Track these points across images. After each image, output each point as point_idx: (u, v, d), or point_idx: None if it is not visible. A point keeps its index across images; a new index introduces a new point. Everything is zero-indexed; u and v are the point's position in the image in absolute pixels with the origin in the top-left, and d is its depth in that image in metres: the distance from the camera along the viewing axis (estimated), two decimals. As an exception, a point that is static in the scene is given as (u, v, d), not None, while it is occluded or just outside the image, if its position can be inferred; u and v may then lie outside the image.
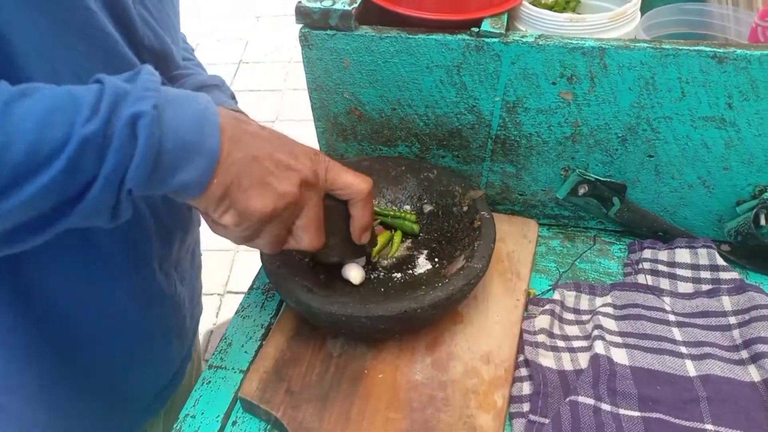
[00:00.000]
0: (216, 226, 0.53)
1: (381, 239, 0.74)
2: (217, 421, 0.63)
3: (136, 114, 0.42)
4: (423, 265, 0.72)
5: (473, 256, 0.65)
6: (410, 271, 0.72)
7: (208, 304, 2.04)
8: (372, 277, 0.71)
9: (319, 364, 0.64)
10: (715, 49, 0.62)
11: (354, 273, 0.68)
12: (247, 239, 0.54)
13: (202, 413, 0.64)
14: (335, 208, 0.59)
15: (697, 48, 0.62)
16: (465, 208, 0.73)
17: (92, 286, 0.61)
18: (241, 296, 0.77)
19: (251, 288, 0.77)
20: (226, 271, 2.13)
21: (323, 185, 0.55)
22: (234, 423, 0.63)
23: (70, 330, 0.62)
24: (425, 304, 0.59)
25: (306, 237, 0.55)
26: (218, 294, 2.06)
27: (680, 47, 0.63)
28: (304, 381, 0.63)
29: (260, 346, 0.69)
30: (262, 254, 0.65)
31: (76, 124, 0.41)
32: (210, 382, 0.67)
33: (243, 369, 0.67)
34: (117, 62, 0.54)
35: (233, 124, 0.49)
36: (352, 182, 0.57)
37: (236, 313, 0.74)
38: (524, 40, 0.65)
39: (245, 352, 0.69)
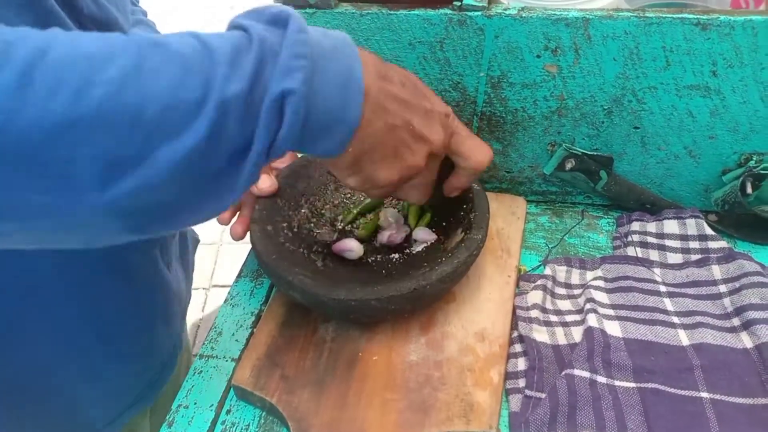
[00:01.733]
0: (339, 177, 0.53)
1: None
2: (211, 410, 0.62)
3: (287, 92, 0.38)
4: (420, 243, 0.71)
5: (471, 228, 0.64)
6: (407, 251, 0.71)
7: (193, 298, 2.02)
8: (371, 260, 0.70)
9: (313, 349, 0.64)
10: (698, 16, 0.62)
11: (353, 247, 0.68)
12: (362, 190, 0.53)
13: (195, 403, 0.63)
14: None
15: (680, 16, 0.62)
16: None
17: (58, 257, 0.58)
18: (227, 289, 0.75)
19: (239, 276, 0.76)
20: (211, 265, 2.11)
21: (446, 151, 0.55)
22: (228, 411, 0.62)
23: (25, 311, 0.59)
24: (433, 280, 0.58)
25: (414, 194, 0.57)
26: (203, 288, 2.04)
27: (664, 15, 0.62)
28: (298, 366, 0.62)
29: (251, 334, 0.68)
30: (255, 247, 0.63)
31: (215, 81, 0.36)
32: (201, 371, 0.65)
33: (235, 357, 0.66)
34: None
35: (377, 87, 0.45)
36: (474, 155, 0.57)
37: (225, 301, 0.73)
38: (507, 12, 0.65)
39: (236, 340, 0.68)
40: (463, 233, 0.65)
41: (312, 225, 0.73)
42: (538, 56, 0.67)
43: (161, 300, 0.74)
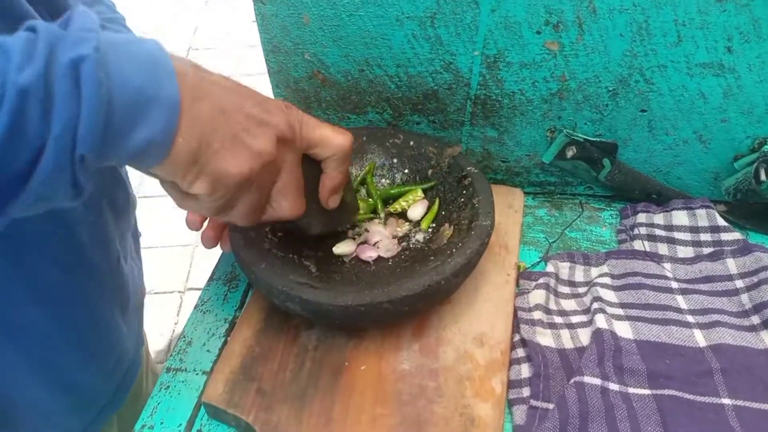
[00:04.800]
0: (185, 199, 0.46)
1: (363, 204, 0.67)
2: (180, 431, 0.55)
3: (77, 58, 0.35)
4: (418, 234, 0.66)
5: (477, 214, 0.58)
6: (405, 243, 0.65)
7: (167, 303, 1.94)
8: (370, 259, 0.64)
9: (293, 359, 0.57)
10: (714, -14, 0.56)
11: (344, 245, 0.62)
12: (221, 209, 0.47)
13: (161, 423, 0.56)
14: (310, 169, 0.51)
15: (694, -14, 0.57)
16: (446, 168, 0.66)
17: (16, 258, 0.53)
18: (203, 294, 0.69)
19: (211, 279, 0.69)
20: (185, 267, 2.03)
21: (299, 142, 0.48)
22: (198, 432, 0.55)
23: None
24: (447, 274, 0.53)
25: (285, 203, 0.49)
26: (178, 292, 1.96)
27: (676, -15, 0.57)
28: (276, 379, 0.55)
29: (225, 343, 0.61)
30: (241, 256, 0.56)
31: (9, 72, 0.34)
32: (169, 387, 0.58)
33: (206, 370, 0.59)
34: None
35: (192, 71, 0.41)
36: (330, 136, 0.50)
37: (195, 307, 0.66)
38: (505, -17, 0.59)
39: (207, 350, 0.61)
40: (468, 220, 0.60)
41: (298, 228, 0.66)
42: (539, 32, 0.61)
43: (123, 296, 0.68)
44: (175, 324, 1.86)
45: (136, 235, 0.78)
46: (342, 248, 0.63)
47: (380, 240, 0.65)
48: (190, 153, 0.41)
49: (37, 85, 0.34)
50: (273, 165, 0.46)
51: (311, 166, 0.51)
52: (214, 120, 0.42)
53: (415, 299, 0.52)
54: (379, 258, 0.64)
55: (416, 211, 0.66)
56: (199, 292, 0.69)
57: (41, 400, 0.62)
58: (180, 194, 0.46)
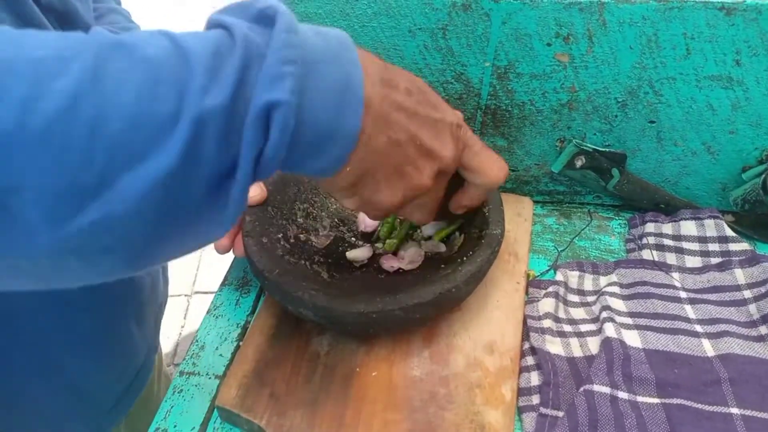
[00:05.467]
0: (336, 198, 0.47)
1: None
2: (192, 435, 0.56)
3: (273, 103, 0.32)
4: (426, 243, 0.66)
5: (488, 222, 0.59)
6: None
7: (174, 306, 1.95)
8: (375, 265, 0.65)
9: (305, 365, 0.58)
10: (723, 0, 0.57)
11: (360, 251, 0.63)
12: (360, 211, 0.48)
13: (175, 426, 0.56)
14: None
15: (703, 0, 0.57)
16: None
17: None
18: (211, 296, 0.69)
19: (223, 284, 0.70)
20: (192, 270, 2.04)
21: (457, 166, 0.48)
22: (211, 436, 0.56)
23: None
24: (459, 282, 0.53)
25: (419, 214, 0.51)
26: (185, 295, 1.97)
27: (686, -1, 0.58)
28: (289, 384, 0.56)
29: (237, 348, 0.62)
30: (255, 263, 0.57)
31: (190, 91, 0.30)
32: (182, 390, 0.59)
33: (219, 374, 0.60)
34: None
35: (380, 95, 0.39)
36: (487, 168, 0.50)
37: (208, 312, 0.67)
38: (516, -4, 0.59)
39: (220, 355, 0.62)
40: (478, 229, 0.60)
41: (309, 233, 0.67)
42: (549, 44, 0.62)
43: (136, 302, 0.68)
44: (182, 327, 1.87)
45: None
46: (356, 254, 0.64)
47: (408, 252, 0.64)
48: (354, 178, 0.42)
49: (220, 117, 0.31)
50: (424, 192, 0.46)
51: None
52: (386, 152, 0.41)
53: (426, 307, 0.53)
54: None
55: (429, 229, 0.66)
56: (206, 296, 0.70)
57: (47, 402, 0.63)
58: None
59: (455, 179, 0.52)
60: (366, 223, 0.65)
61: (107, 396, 0.69)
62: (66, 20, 0.54)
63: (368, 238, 0.68)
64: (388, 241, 0.65)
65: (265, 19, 0.34)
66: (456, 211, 0.57)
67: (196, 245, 0.36)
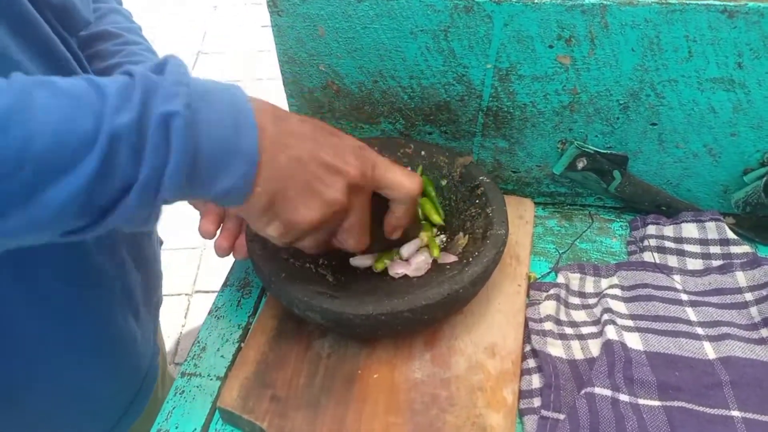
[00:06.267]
0: (259, 230, 0.49)
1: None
2: (194, 436, 0.56)
3: (169, 113, 0.37)
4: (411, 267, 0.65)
5: (492, 223, 0.59)
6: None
7: (175, 305, 1.95)
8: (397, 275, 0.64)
9: (307, 367, 0.58)
10: (725, 3, 0.57)
11: (364, 259, 0.62)
12: (289, 244, 0.50)
13: (177, 427, 0.56)
14: (378, 201, 0.53)
15: (705, 2, 0.57)
16: (458, 177, 0.67)
17: (17, 269, 0.53)
18: (212, 295, 0.70)
19: (225, 284, 0.70)
20: (193, 269, 2.04)
21: (370, 185, 0.50)
22: (213, 437, 0.56)
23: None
24: (466, 283, 0.53)
25: (351, 240, 0.52)
26: (186, 294, 1.97)
27: (687, 2, 0.57)
28: (290, 386, 0.56)
29: (239, 349, 0.62)
30: (260, 267, 0.57)
31: (105, 115, 0.35)
32: (184, 392, 0.59)
33: (220, 376, 0.60)
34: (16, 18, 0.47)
35: (272, 122, 0.43)
36: (400, 182, 0.51)
37: (209, 313, 0.67)
38: (518, -2, 0.59)
39: (222, 356, 0.62)
40: (482, 229, 0.60)
41: None
42: (551, 46, 0.62)
43: (134, 302, 0.68)
44: (183, 326, 1.87)
45: (154, 240, 0.78)
46: (360, 261, 0.63)
47: (415, 258, 0.63)
48: (267, 200, 0.44)
49: (129, 131, 0.36)
50: (342, 210, 0.48)
51: (379, 198, 0.53)
52: (290, 169, 0.44)
53: (434, 308, 0.53)
54: None
55: (408, 249, 0.63)
56: (207, 295, 0.70)
57: (53, 410, 0.63)
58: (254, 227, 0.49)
59: (383, 208, 0.54)
60: (396, 269, 0.64)
61: (117, 400, 0.69)
62: (64, 15, 0.55)
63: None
64: (376, 262, 0.63)
65: (160, 66, 0.40)
66: (391, 236, 0.57)
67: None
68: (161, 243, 0.82)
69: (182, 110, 0.37)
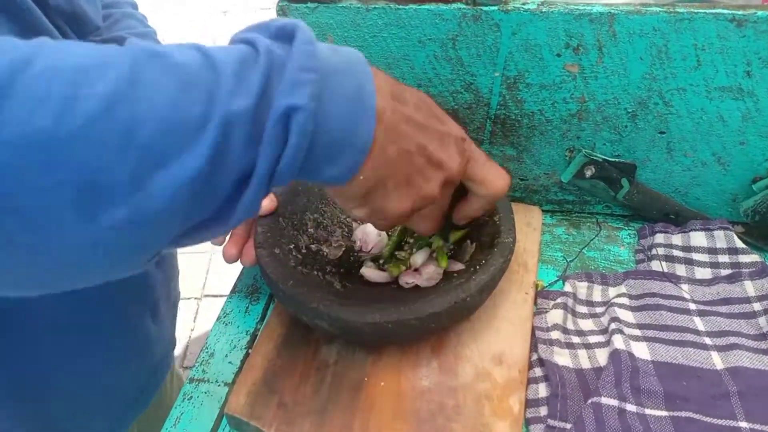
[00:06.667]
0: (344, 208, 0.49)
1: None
2: (202, 442, 0.56)
3: (293, 108, 0.34)
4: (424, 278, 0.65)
5: (499, 231, 0.59)
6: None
7: (184, 309, 1.96)
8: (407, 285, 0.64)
9: (314, 374, 0.58)
10: (734, 12, 0.57)
11: (376, 274, 0.63)
12: (368, 222, 0.49)
13: (184, 433, 0.57)
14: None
15: (714, 11, 0.57)
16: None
17: None
18: (220, 300, 0.70)
19: (233, 291, 0.70)
20: (202, 274, 2.05)
21: (462, 177, 0.50)
22: (220, 443, 0.56)
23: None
24: (473, 291, 0.53)
25: (425, 224, 0.52)
26: (195, 298, 1.98)
27: (696, 11, 0.58)
28: (298, 393, 0.56)
29: (246, 356, 0.63)
30: (268, 274, 0.57)
31: (219, 97, 0.32)
32: (192, 397, 0.60)
33: (228, 382, 0.61)
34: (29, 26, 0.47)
35: (391, 108, 0.41)
36: (491, 182, 0.51)
37: (218, 319, 0.67)
38: (526, 7, 0.60)
39: (230, 362, 0.62)
40: (490, 237, 0.60)
41: (320, 244, 0.67)
42: (559, 55, 0.62)
43: (152, 299, 0.69)
44: (192, 330, 1.88)
45: None
46: (372, 274, 0.63)
47: (426, 268, 0.62)
48: (366, 188, 0.43)
49: (245, 119, 0.33)
50: (432, 202, 0.47)
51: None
52: (396, 161, 0.42)
53: (441, 316, 0.53)
54: None
55: (418, 258, 0.63)
56: (215, 299, 0.70)
57: (69, 395, 0.63)
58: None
59: (458, 191, 0.53)
60: (366, 241, 0.65)
61: (127, 389, 0.70)
62: (75, 22, 0.55)
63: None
64: (391, 267, 0.64)
65: (285, 35, 0.37)
66: (459, 222, 0.57)
67: (197, 243, 0.38)
68: None
69: (307, 104, 0.34)
